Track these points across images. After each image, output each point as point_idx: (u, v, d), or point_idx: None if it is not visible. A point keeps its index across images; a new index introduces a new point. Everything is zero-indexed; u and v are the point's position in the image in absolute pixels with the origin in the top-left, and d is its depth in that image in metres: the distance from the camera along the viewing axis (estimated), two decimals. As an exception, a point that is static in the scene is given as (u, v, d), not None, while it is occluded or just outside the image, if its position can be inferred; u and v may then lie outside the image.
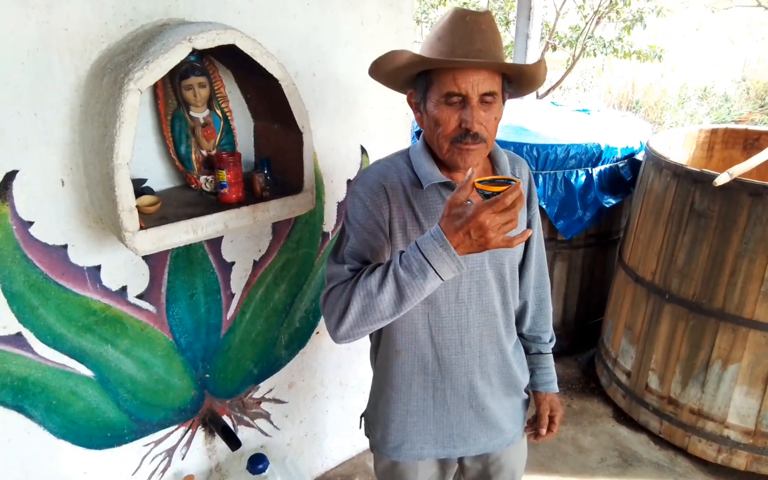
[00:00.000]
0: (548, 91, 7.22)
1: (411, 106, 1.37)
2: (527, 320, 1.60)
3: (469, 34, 1.23)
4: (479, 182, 1.12)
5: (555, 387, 1.62)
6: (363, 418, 1.62)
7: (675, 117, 8.46)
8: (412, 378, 1.43)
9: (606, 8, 6.49)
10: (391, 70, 1.31)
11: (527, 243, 1.50)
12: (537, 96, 6.80)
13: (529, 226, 1.48)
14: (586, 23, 6.81)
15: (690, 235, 2.66)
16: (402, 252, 1.15)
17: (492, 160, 1.41)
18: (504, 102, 1.31)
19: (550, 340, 1.64)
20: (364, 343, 1.57)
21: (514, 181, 1.10)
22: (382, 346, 1.47)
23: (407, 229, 1.33)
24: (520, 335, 1.60)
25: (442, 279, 1.11)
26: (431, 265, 1.09)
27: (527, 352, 1.61)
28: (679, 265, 2.72)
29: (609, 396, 3.20)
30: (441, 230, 1.09)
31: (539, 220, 1.57)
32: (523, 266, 1.53)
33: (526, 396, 1.60)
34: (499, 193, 1.05)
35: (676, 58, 8.87)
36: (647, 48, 6.38)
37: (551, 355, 1.64)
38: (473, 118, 1.22)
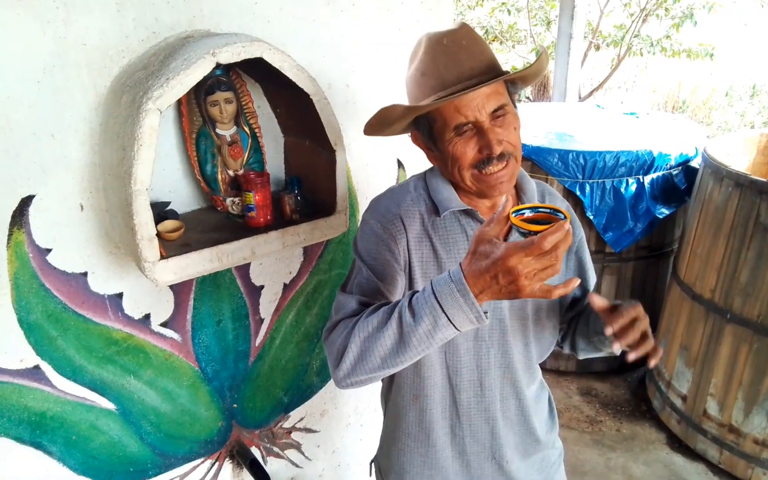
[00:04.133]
0: (591, 92, 6.96)
1: (419, 146, 1.24)
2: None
3: (453, 58, 1.10)
4: (515, 213, 0.92)
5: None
6: (373, 465, 1.49)
7: (724, 116, 8.08)
8: (431, 426, 1.29)
9: (654, 5, 6.20)
10: (388, 128, 1.21)
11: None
12: (579, 97, 6.56)
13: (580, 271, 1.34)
14: (633, 21, 6.53)
15: (755, 251, 2.45)
16: (415, 292, 1.00)
17: (517, 185, 1.25)
18: (515, 106, 1.17)
19: None
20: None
21: (561, 213, 0.91)
22: (394, 391, 1.33)
23: (424, 265, 1.19)
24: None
25: (457, 329, 0.94)
26: (444, 312, 0.93)
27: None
28: (742, 283, 2.51)
29: (662, 421, 3.00)
30: (461, 271, 0.92)
31: (591, 266, 1.39)
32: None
33: (558, 448, 1.44)
34: (538, 233, 0.85)
35: (724, 55, 8.48)
36: (697, 46, 6.08)
37: None
38: (492, 141, 1.08)
